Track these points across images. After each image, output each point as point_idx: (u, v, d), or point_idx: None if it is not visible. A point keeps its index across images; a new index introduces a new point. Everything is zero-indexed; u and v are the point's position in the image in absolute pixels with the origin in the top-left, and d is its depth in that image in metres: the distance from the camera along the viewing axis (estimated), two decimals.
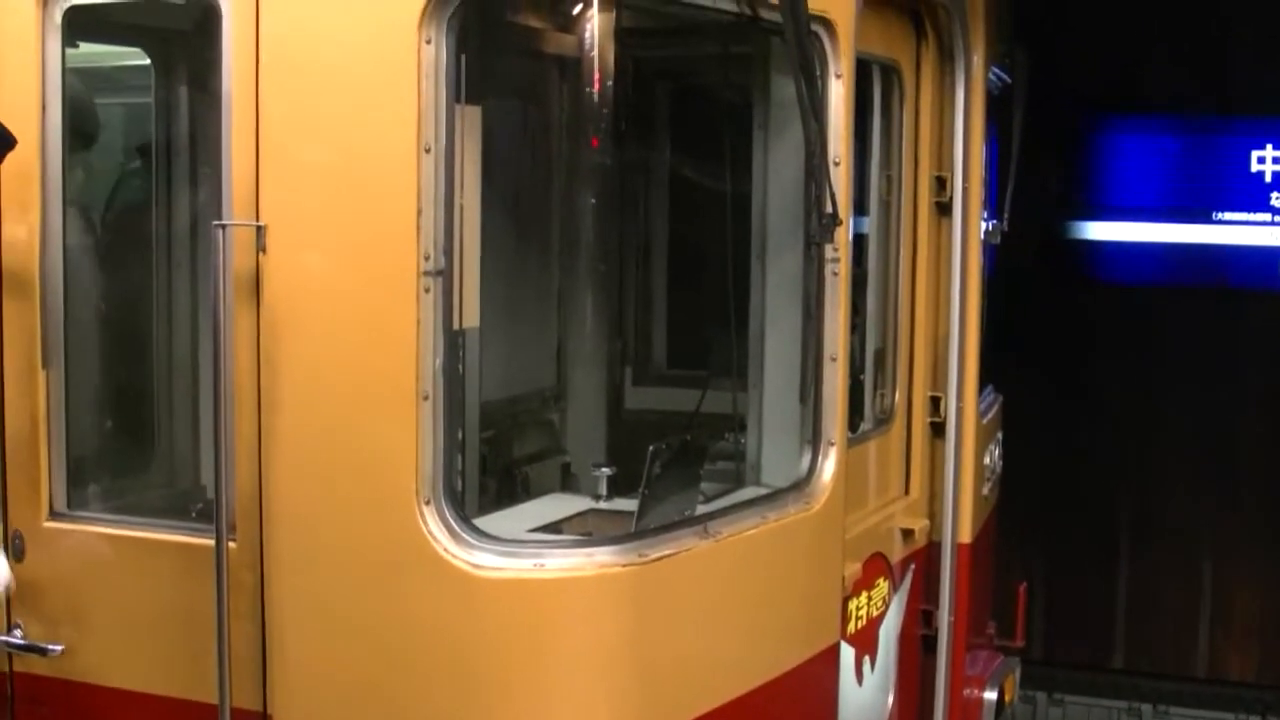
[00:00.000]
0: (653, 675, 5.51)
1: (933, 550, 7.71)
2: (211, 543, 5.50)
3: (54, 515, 5.99)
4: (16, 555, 6.00)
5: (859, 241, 7.21)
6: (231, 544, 5.52)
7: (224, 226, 5.40)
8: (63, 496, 6.01)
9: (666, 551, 5.52)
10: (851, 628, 6.80)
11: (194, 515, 6.30)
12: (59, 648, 5.94)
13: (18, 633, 6.02)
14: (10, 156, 5.68)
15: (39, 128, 5.85)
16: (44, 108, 5.86)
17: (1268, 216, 11.78)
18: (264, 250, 5.40)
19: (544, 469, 7.23)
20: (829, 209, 5.99)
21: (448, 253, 5.28)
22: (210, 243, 5.42)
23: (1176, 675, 12.32)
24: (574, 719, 5.41)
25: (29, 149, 5.82)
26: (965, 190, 7.56)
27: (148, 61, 7.09)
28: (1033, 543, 11.96)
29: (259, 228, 5.39)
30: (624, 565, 5.39)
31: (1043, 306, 11.77)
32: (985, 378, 8.07)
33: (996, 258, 8.49)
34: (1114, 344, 12.08)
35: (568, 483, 7.07)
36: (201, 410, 6.74)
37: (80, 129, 6.46)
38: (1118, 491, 12.25)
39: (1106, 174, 12.10)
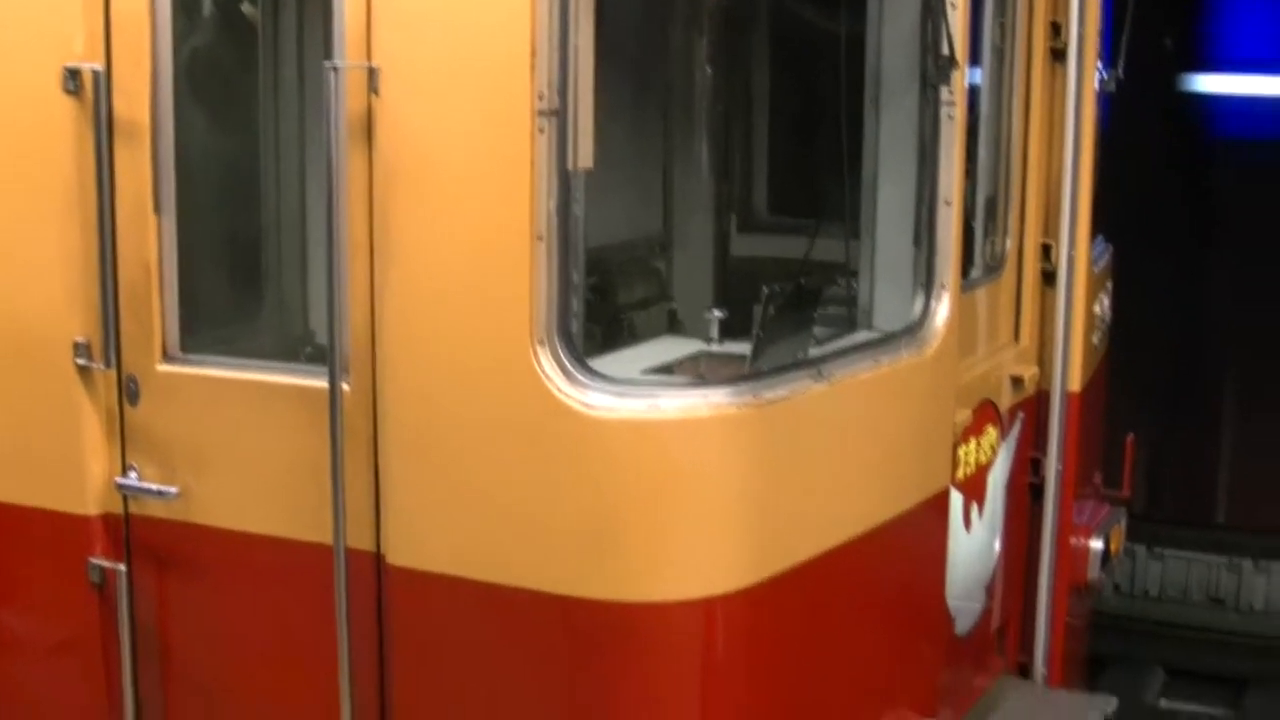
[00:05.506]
0: (767, 517, 5.50)
1: (1042, 398, 7.66)
2: (324, 385, 5.52)
3: (167, 359, 6.02)
4: (131, 400, 6.06)
5: (972, 90, 7.10)
6: (345, 387, 5.55)
7: (336, 68, 5.38)
8: (175, 340, 6.04)
9: (781, 394, 5.49)
10: (961, 474, 6.79)
11: (304, 358, 6.33)
12: (174, 489, 6.00)
13: (133, 475, 6.09)
14: (121, 4, 5.66)
15: None
16: None
17: None
18: (376, 92, 5.37)
19: (650, 315, 7.20)
20: (945, 51, 5.91)
21: (562, 93, 5.23)
22: (322, 85, 5.40)
23: (1277, 530, 12.22)
24: (688, 556, 5.41)
25: None
26: (1080, 37, 7.42)
27: None
28: (1139, 396, 11.85)
29: (371, 69, 5.36)
30: (739, 406, 5.37)
31: (1157, 160, 11.60)
32: (1097, 227, 7.97)
33: (1111, 108, 8.36)
34: (1229, 199, 11.89)
35: (675, 328, 7.05)
36: (311, 253, 6.74)
37: None
38: (1227, 348, 12.12)
39: (1222, 27, 11.87)
